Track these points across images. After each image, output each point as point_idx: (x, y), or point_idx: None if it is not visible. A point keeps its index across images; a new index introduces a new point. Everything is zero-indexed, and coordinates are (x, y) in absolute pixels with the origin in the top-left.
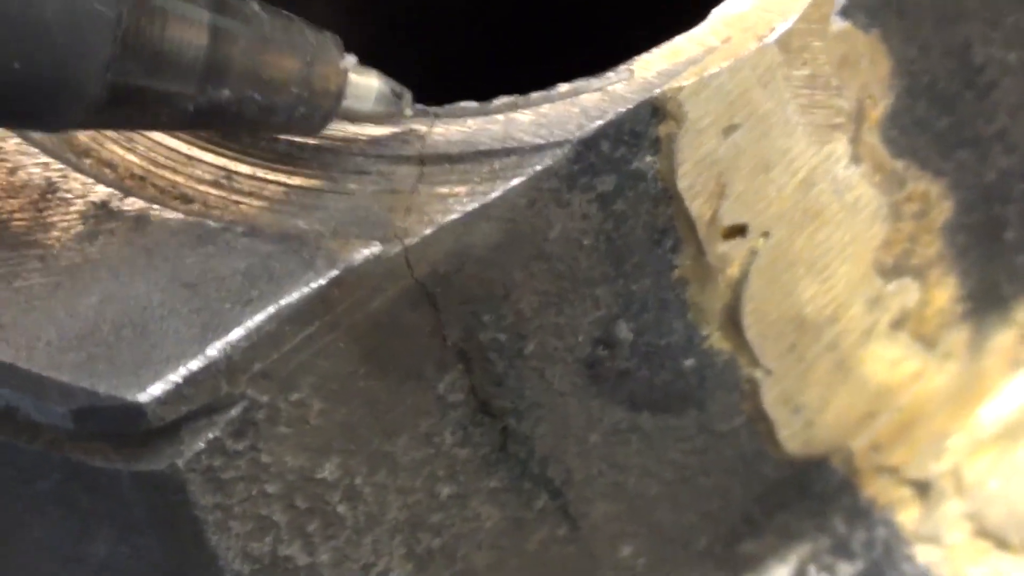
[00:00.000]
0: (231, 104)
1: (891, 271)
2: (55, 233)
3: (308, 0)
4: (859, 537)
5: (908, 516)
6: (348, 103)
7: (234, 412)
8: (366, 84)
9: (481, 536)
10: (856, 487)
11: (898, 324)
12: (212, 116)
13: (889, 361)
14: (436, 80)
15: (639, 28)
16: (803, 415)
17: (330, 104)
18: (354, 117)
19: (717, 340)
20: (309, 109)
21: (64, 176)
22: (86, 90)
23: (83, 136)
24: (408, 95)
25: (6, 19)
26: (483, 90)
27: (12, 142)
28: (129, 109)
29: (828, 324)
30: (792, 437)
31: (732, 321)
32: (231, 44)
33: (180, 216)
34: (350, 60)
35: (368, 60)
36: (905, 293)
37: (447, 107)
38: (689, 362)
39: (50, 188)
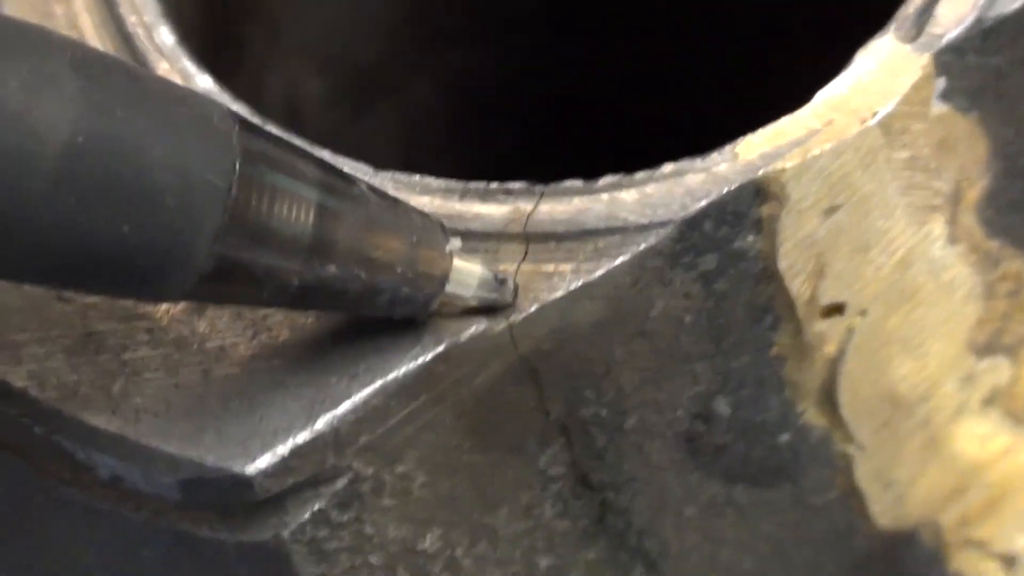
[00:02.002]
0: (336, 282)
1: (983, 349)
2: (163, 306)
3: (407, 81)
4: None
5: None
6: (451, 288)
7: (340, 484)
8: (470, 269)
9: None
10: (945, 561)
11: (989, 401)
12: (316, 293)
13: (979, 437)
14: (536, 159)
15: (736, 109)
16: (895, 490)
17: (434, 287)
18: (456, 302)
19: (812, 416)
20: (413, 291)
21: None
22: (195, 261)
23: None
24: (511, 282)
25: (119, 183)
26: (583, 170)
27: None
28: (233, 282)
29: (921, 401)
30: (883, 512)
31: (828, 398)
32: (337, 223)
33: None
34: (455, 244)
35: (465, 137)
36: (996, 371)
37: (552, 186)
38: (784, 437)
39: None
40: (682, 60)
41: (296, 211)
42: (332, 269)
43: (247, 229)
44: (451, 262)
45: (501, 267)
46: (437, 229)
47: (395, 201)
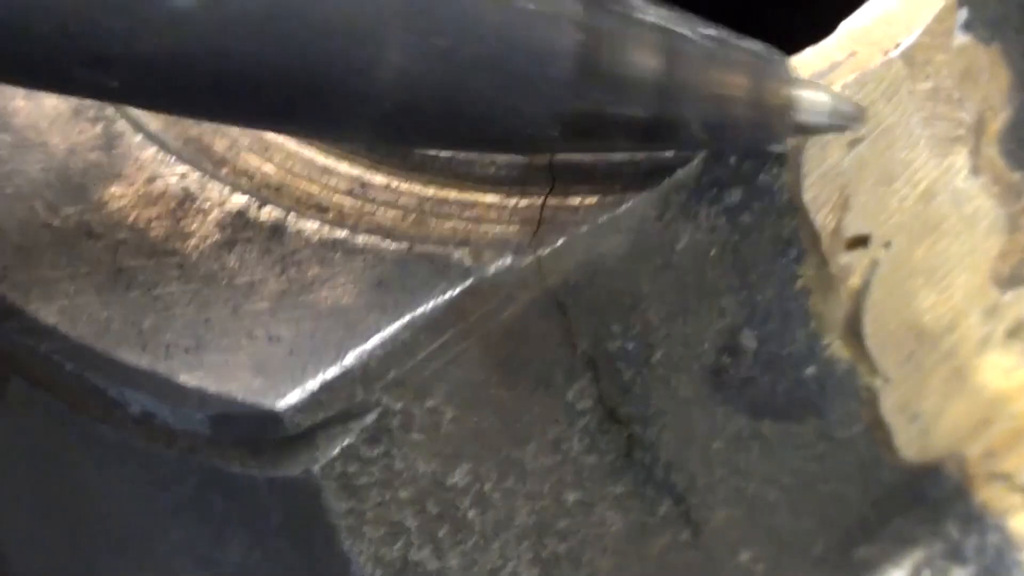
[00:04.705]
0: (685, 123)
1: (1007, 281)
2: (193, 241)
3: None
4: (972, 542)
5: (1020, 522)
6: (802, 117)
7: (369, 419)
8: (818, 98)
9: (606, 541)
10: (969, 493)
11: (1013, 333)
12: (665, 137)
13: (1004, 369)
14: None
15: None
16: (920, 422)
17: (782, 118)
18: (807, 131)
19: (838, 349)
20: (761, 124)
21: (201, 185)
22: (550, 118)
23: (219, 146)
24: (864, 109)
25: (483, 55)
26: None
27: (149, 151)
28: (585, 134)
29: (945, 333)
30: (908, 444)
31: (853, 330)
32: (684, 64)
33: (315, 225)
34: (799, 74)
35: None
36: (1020, 303)
37: None
38: (810, 370)
39: (188, 197)
40: None
41: (644, 57)
42: (680, 112)
43: (598, 82)
44: (797, 91)
45: (527, 198)
46: (779, 59)
47: (732, 35)
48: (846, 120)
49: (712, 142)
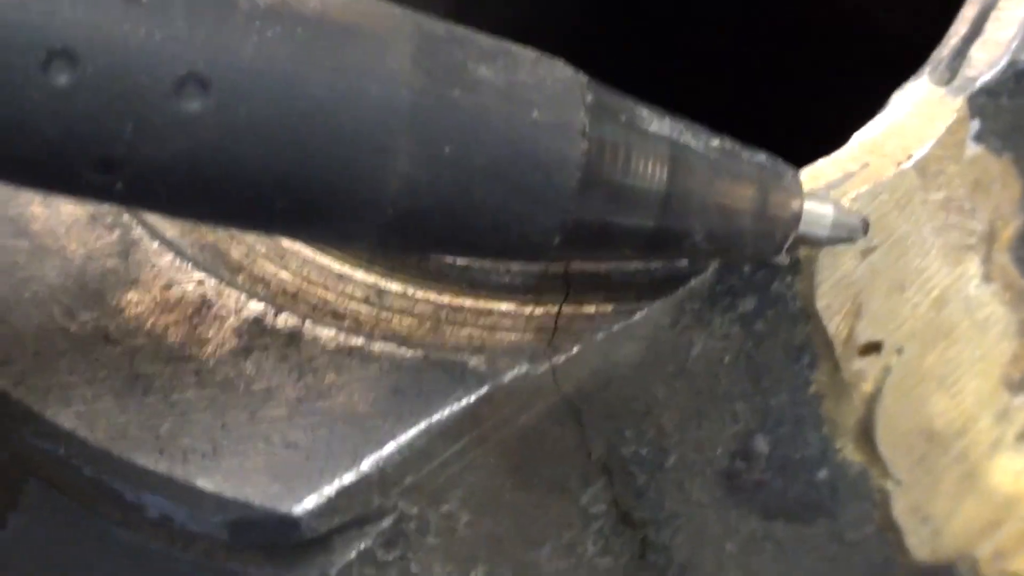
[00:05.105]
0: (689, 234)
1: (1018, 385)
2: (210, 348)
3: None
4: None
5: None
6: (807, 229)
7: (385, 524)
8: (822, 211)
9: None
10: None
11: None
12: (669, 247)
13: (1015, 472)
14: None
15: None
16: (931, 524)
17: (786, 231)
18: (812, 243)
19: (850, 452)
20: (765, 236)
21: (218, 292)
22: (554, 227)
23: (235, 253)
24: (866, 222)
25: (489, 163)
26: None
27: (166, 258)
28: (588, 243)
29: (957, 437)
30: (920, 545)
31: (865, 434)
32: (689, 175)
33: (331, 332)
34: (804, 186)
35: None
36: None
37: None
38: (823, 473)
39: (204, 303)
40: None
41: (649, 167)
42: (684, 224)
43: (601, 192)
44: (802, 204)
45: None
46: (786, 171)
47: (738, 145)
48: (850, 232)
49: (716, 253)
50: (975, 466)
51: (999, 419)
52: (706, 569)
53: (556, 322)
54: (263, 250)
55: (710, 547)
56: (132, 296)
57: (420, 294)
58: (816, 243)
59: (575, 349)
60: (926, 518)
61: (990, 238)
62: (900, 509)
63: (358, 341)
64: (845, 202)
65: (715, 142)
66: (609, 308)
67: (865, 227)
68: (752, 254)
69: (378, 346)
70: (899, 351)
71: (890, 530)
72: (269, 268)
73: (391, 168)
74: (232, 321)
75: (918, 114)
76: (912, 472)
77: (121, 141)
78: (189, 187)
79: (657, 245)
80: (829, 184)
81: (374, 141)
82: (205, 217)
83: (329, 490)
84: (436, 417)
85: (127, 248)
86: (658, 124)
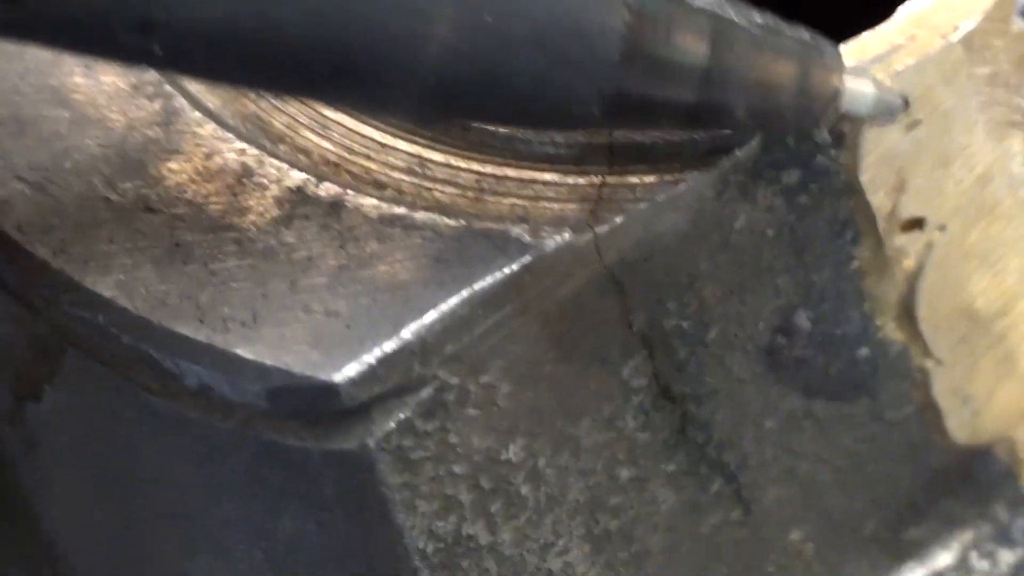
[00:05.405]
0: (729, 109)
1: None
2: (251, 217)
3: None
4: (1019, 525)
5: None
6: (847, 106)
7: (425, 393)
8: (862, 89)
9: (657, 518)
10: (1018, 476)
11: None
12: (710, 121)
13: None
14: None
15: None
16: (971, 405)
17: (825, 108)
18: (849, 119)
19: (891, 330)
20: (805, 112)
21: (260, 162)
22: (594, 97)
23: (277, 123)
24: (906, 100)
25: (530, 32)
26: None
27: (208, 128)
28: (628, 115)
29: (998, 317)
30: (959, 426)
31: (907, 312)
32: (731, 49)
33: (374, 202)
34: (846, 64)
35: None
36: None
37: None
38: (863, 351)
39: (246, 173)
40: None
41: (691, 41)
42: (724, 97)
43: (643, 64)
44: (843, 81)
45: (586, 176)
46: (827, 48)
47: (781, 23)
48: (890, 110)
49: (756, 128)
50: (1015, 347)
51: None
52: (745, 447)
53: (600, 192)
54: (305, 120)
55: (750, 424)
56: (173, 165)
57: (463, 164)
58: (856, 119)
59: (618, 219)
60: (966, 399)
61: None
62: (940, 389)
63: (400, 211)
64: (891, 76)
65: (757, 18)
66: (653, 179)
67: (905, 105)
68: (793, 129)
69: (420, 216)
70: (942, 228)
71: (929, 410)
72: (311, 138)
73: (430, 34)
74: (273, 190)
75: None
76: (953, 352)
77: (160, 3)
78: (227, 51)
79: (698, 118)
80: (876, 57)
81: (415, 6)
82: (242, 81)
83: (369, 358)
84: (478, 285)
85: (168, 118)
86: None
